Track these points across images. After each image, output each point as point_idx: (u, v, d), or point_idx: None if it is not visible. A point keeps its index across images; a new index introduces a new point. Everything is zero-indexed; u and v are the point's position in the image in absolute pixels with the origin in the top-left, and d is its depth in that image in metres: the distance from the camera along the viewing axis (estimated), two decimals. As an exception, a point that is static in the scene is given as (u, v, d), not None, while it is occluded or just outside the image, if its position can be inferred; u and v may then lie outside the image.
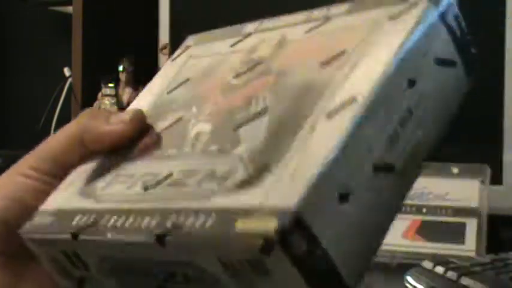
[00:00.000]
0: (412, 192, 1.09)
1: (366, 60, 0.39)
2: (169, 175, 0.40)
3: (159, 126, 0.46)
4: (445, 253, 0.90)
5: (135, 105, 0.50)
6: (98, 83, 1.51)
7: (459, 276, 0.67)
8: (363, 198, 0.36)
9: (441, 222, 0.94)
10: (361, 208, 0.36)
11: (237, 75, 0.45)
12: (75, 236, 0.40)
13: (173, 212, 0.37)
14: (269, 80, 0.43)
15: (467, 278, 0.66)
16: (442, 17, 0.41)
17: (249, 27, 0.50)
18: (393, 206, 0.38)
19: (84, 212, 0.42)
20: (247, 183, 0.36)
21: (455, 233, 0.93)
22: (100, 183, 0.44)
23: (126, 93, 1.51)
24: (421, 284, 0.71)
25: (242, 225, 0.33)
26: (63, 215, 0.43)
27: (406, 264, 0.83)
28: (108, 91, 1.50)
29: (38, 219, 0.44)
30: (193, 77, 0.49)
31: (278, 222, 0.32)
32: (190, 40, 0.55)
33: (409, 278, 0.73)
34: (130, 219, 0.39)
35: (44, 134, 0.89)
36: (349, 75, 0.39)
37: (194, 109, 0.45)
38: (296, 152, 0.36)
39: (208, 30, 0.52)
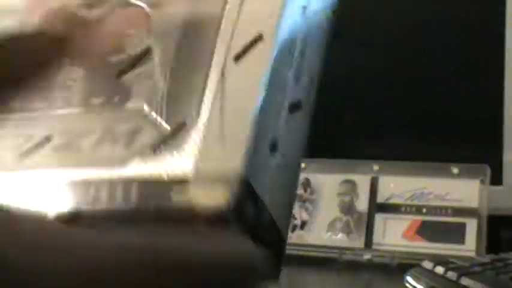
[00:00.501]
0: (412, 193, 1.09)
1: None
2: (49, 137, 0.34)
3: None
4: (445, 253, 0.90)
5: None
6: (98, 83, 1.51)
7: (459, 276, 0.67)
8: (285, 142, 0.33)
9: (441, 223, 0.94)
10: (285, 153, 0.33)
11: (87, 7, 0.38)
12: None
13: (77, 184, 0.31)
14: (135, 13, 0.37)
15: (467, 278, 0.66)
16: None
17: None
18: (302, 143, 0.35)
19: None
20: (161, 144, 0.31)
21: (455, 233, 0.93)
22: None
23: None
24: (421, 284, 0.71)
25: (180, 195, 0.29)
26: None
27: (406, 264, 0.83)
28: (108, 91, 1.50)
29: None
30: (19, 3, 0.39)
31: (229, 191, 0.29)
32: None
33: (409, 278, 0.73)
34: None
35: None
36: (242, 10, 0.34)
37: None
38: (213, 105, 0.32)
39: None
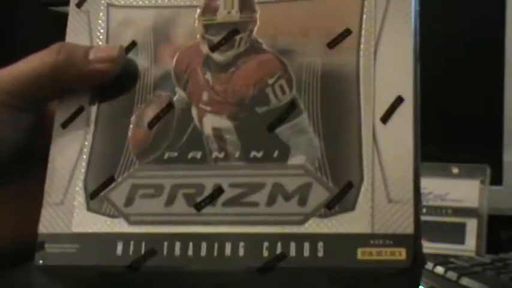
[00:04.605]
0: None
1: (386, 49, 0.37)
2: (219, 190, 0.34)
3: (142, 111, 0.38)
4: (445, 253, 0.90)
5: None
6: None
7: (459, 276, 0.67)
8: None
9: (441, 222, 0.94)
10: None
11: (216, 48, 0.38)
12: (135, 267, 0.34)
13: (263, 239, 0.33)
14: (269, 60, 0.37)
15: (467, 278, 0.66)
16: None
17: None
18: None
19: (123, 237, 0.35)
20: (335, 204, 0.33)
21: (455, 233, 0.93)
22: (115, 195, 0.36)
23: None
24: (422, 284, 0.71)
25: (363, 255, 0.33)
26: (90, 241, 0.35)
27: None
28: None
29: (55, 246, 0.36)
30: (141, 39, 0.40)
31: (408, 253, 0.33)
32: None
33: (409, 278, 0.73)
34: (204, 246, 0.33)
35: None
36: (377, 66, 0.36)
37: (179, 90, 0.38)
38: (372, 167, 0.34)
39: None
